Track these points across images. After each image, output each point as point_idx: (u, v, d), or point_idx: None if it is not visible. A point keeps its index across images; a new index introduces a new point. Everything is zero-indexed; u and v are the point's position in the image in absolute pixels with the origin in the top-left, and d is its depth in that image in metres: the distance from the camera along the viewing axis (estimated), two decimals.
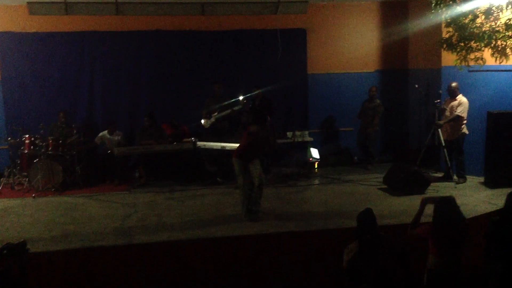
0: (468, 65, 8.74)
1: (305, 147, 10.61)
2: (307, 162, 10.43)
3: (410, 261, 4.79)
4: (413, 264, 4.91)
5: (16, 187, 9.64)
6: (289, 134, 10.72)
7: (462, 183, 9.03)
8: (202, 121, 10.17)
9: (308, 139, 10.85)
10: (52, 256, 6.18)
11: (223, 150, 9.51)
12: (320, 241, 6.64)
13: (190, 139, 9.96)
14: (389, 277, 4.50)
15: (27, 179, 9.52)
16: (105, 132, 10.30)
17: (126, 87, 11.00)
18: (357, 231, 4.63)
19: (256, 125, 7.75)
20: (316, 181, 9.98)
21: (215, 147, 9.64)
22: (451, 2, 8.38)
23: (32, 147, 9.57)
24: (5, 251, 4.26)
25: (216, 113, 10.07)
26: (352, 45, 11.45)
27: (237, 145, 7.97)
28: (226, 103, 10.08)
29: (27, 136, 9.63)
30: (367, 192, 8.87)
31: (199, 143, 9.75)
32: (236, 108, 9.93)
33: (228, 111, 9.99)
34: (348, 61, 11.55)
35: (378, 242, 4.55)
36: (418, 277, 4.99)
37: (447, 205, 4.81)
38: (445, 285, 4.75)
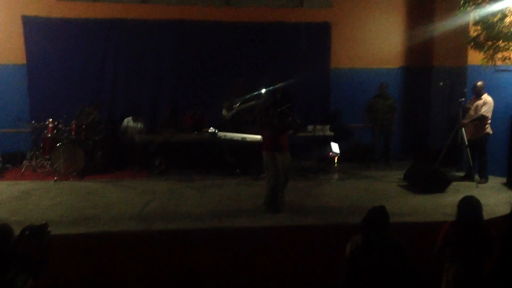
0: (495, 65, 8.63)
1: (325, 141, 10.57)
2: (327, 156, 10.39)
3: (416, 267, 4.67)
4: (420, 270, 4.81)
5: (38, 170, 9.78)
6: (309, 128, 10.67)
7: (483, 183, 8.93)
8: (223, 112, 10.19)
9: (329, 133, 10.80)
10: (72, 239, 6.25)
11: (243, 141, 9.53)
12: (338, 236, 6.61)
13: (209, 128, 10.00)
14: (389, 278, 4.42)
15: (49, 163, 9.63)
16: (130, 118, 10.37)
17: (149, 76, 11.08)
18: (365, 225, 4.56)
19: (277, 118, 7.75)
20: (336, 176, 9.95)
21: (235, 138, 9.66)
22: (480, 1, 8.27)
23: (55, 131, 9.70)
24: (27, 232, 4.31)
25: (237, 105, 10.08)
26: (377, 40, 11.38)
27: (257, 136, 7.98)
28: (248, 96, 10.08)
29: (50, 120, 9.76)
30: (386, 189, 8.81)
31: (219, 134, 9.77)
32: (257, 101, 9.92)
33: (250, 103, 9.98)
34: (371, 57, 11.47)
35: (383, 241, 4.48)
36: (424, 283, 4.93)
37: (472, 204, 4.74)
38: None
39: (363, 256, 4.41)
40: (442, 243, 4.76)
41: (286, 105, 8.02)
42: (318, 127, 10.58)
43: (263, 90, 9.97)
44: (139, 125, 10.33)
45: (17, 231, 4.34)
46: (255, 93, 10.04)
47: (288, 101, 10.15)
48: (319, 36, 11.30)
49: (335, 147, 10.40)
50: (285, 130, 7.77)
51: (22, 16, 10.56)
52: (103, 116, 10.33)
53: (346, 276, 4.53)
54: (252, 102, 9.93)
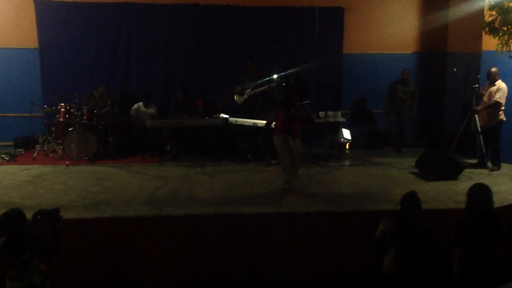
0: (510, 50, 8.50)
1: (337, 127, 10.52)
2: (339, 142, 10.34)
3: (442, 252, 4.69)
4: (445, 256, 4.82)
5: (50, 155, 9.83)
6: (321, 113, 10.63)
7: (496, 170, 8.85)
8: (235, 97, 10.17)
9: (341, 119, 10.74)
10: (83, 223, 6.29)
11: (254, 127, 9.50)
12: (349, 223, 6.61)
13: (220, 114, 9.99)
14: (418, 261, 4.46)
15: (61, 147, 9.68)
16: (141, 103, 10.37)
17: (161, 60, 11.05)
18: (401, 210, 4.62)
19: (289, 103, 7.75)
20: (347, 162, 9.90)
21: (246, 124, 9.64)
22: None
23: (67, 115, 9.72)
24: (39, 217, 4.34)
25: (249, 90, 10.05)
26: (390, 25, 11.25)
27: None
28: (260, 81, 10.04)
29: (62, 104, 9.78)
30: (398, 176, 8.77)
31: (231, 119, 9.75)
32: (269, 85, 9.89)
33: (262, 88, 9.95)
34: (385, 42, 11.34)
35: (416, 225, 4.52)
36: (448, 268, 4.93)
37: (482, 192, 4.72)
38: (477, 277, 4.67)
39: (395, 240, 4.45)
40: (455, 230, 4.74)
41: (306, 101, 8.04)
42: (330, 113, 10.53)
43: (275, 75, 9.94)
44: (151, 110, 10.32)
45: (29, 215, 4.38)
46: (267, 78, 10.00)
47: (302, 86, 10.19)
48: (332, 21, 11.18)
49: (346, 134, 10.35)
50: (298, 120, 7.79)
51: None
52: (115, 101, 10.31)
53: (376, 256, 4.57)
54: (264, 87, 9.90)
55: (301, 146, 7.74)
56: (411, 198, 4.61)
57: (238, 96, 10.16)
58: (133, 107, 10.37)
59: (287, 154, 7.55)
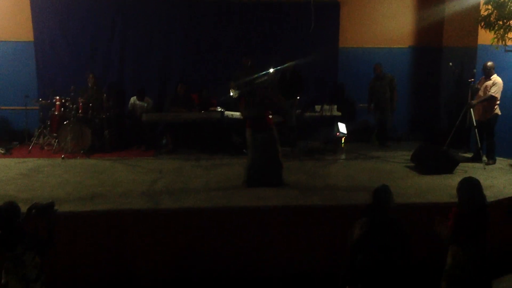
0: (505, 45, 8.52)
1: (333, 121, 10.52)
2: (334, 136, 10.35)
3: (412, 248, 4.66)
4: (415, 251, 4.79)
5: (45, 148, 9.82)
6: (317, 107, 10.63)
7: (491, 164, 8.88)
8: (231, 91, 10.16)
9: (336, 113, 10.75)
10: (79, 217, 6.28)
11: None
12: (345, 217, 6.61)
13: (216, 108, 9.98)
14: (392, 259, 4.42)
15: (56, 141, 9.66)
16: (135, 97, 10.35)
17: (157, 54, 11.04)
18: (370, 208, 4.55)
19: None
20: (343, 156, 9.92)
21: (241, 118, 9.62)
22: None
23: (62, 109, 9.72)
24: (33, 211, 4.33)
25: (245, 85, 10.03)
26: (386, 19, 11.24)
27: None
28: (255, 75, 10.03)
29: (57, 98, 9.76)
30: (393, 169, 8.78)
31: (227, 113, 9.75)
32: (265, 79, 9.88)
33: (256, 82, 9.93)
34: (381, 36, 11.35)
35: (388, 222, 4.46)
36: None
37: (472, 186, 4.69)
38: (471, 273, 4.66)
39: (368, 237, 4.40)
40: (453, 226, 4.72)
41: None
42: (326, 107, 10.54)
43: (271, 70, 9.93)
44: (145, 103, 10.31)
45: (24, 208, 4.37)
46: (263, 72, 10.00)
47: (299, 81, 10.19)
48: (328, 15, 11.18)
49: (342, 127, 10.36)
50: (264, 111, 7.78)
51: None
52: (110, 95, 10.28)
53: (351, 258, 4.51)
54: (259, 80, 9.88)
55: (274, 137, 7.68)
56: (383, 192, 4.56)
57: (233, 91, 10.15)
58: (130, 100, 10.36)
59: (249, 152, 7.76)
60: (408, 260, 4.44)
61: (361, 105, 11.36)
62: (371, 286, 4.41)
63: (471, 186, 4.69)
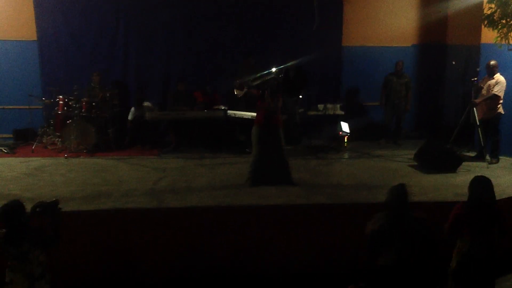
0: (509, 43, 8.50)
1: (336, 120, 10.52)
2: (337, 135, 10.35)
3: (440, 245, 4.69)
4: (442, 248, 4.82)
5: (49, 147, 9.83)
6: (320, 106, 10.63)
7: (495, 163, 8.88)
8: (235, 91, 10.16)
9: (340, 112, 10.75)
10: (83, 215, 6.29)
11: (253, 120, 9.49)
12: (348, 215, 6.62)
13: (220, 106, 9.99)
14: (413, 256, 4.45)
15: (60, 139, 9.68)
16: (132, 109, 10.31)
17: (160, 51, 11.02)
18: (387, 204, 4.59)
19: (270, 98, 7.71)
20: (346, 155, 9.92)
21: (245, 117, 9.64)
22: None
23: (65, 108, 9.72)
24: (38, 209, 4.37)
25: (250, 80, 10.03)
26: (389, 18, 11.23)
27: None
28: (259, 74, 10.03)
29: (61, 97, 9.78)
30: (397, 168, 8.79)
31: (230, 112, 9.75)
32: (268, 78, 9.87)
33: (259, 81, 9.93)
34: (384, 34, 11.34)
35: (407, 219, 4.51)
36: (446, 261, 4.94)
37: (484, 184, 4.74)
38: (477, 270, 4.69)
39: (388, 234, 4.44)
40: (452, 222, 4.76)
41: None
42: (329, 105, 10.53)
43: (274, 69, 9.92)
44: (147, 103, 10.33)
45: (29, 207, 4.40)
46: (266, 71, 9.99)
47: (303, 79, 10.19)
48: (331, 13, 11.16)
49: (345, 126, 10.36)
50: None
51: None
52: (114, 93, 10.28)
53: (371, 253, 4.57)
54: (262, 79, 9.88)
55: (281, 135, 7.69)
56: (400, 190, 4.60)
57: (238, 90, 10.16)
58: (130, 113, 10.32)
59: (255, 149, 7.72)
60: (433, 261, 4.50)
61: (366, 103, 11.35)
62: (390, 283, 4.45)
63: (482, 184, 4.77)
